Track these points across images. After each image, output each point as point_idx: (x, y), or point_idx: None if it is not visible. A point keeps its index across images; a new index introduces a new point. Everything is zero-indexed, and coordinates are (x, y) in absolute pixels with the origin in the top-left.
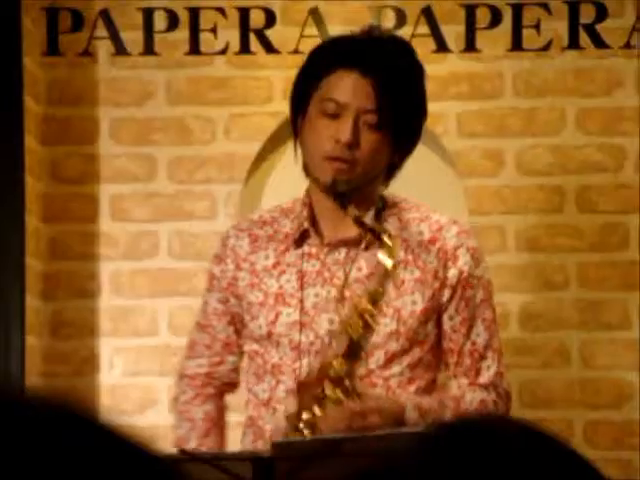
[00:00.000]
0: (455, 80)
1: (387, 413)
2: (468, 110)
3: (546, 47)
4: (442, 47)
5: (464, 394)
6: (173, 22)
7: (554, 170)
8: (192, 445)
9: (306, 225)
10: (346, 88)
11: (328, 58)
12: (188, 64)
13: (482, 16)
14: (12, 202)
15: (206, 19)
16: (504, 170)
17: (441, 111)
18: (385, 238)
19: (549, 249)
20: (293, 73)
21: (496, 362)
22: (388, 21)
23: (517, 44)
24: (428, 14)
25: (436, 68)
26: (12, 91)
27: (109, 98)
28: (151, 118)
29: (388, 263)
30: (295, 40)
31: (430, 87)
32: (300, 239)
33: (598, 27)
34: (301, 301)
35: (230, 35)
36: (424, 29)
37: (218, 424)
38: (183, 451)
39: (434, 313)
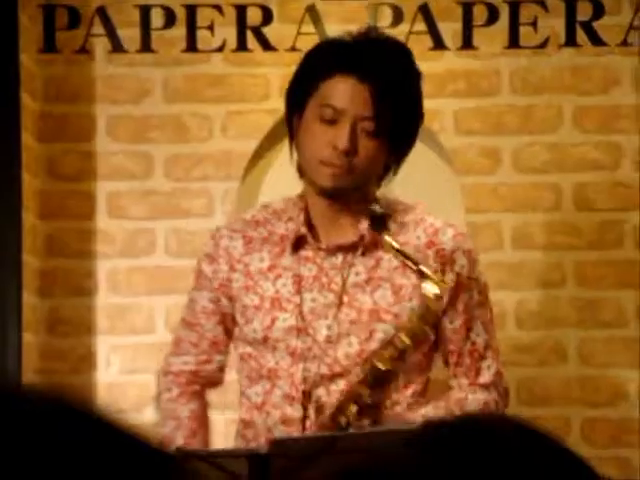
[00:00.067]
0: (452, 77)
1: None
2: (465, 107)
3: (543, 44)
4: (439, 44)
5: (467, 396)
6: (170, 19)
7: (551, 168)
8: (178, 444)
9: (303, 230)
10: (344, 94)
11: (326, 62)
12: (185, 61)
13: (479, 13)
14: (9, 199)
15: (203, 16)
16: (501, 168)
17: (438, 108)
18: (425, 269)
19: (546, 247)
20: (290, 71)
21: (496, 361)
22: (385, 18)
23: (514, 41)
24: (425, 11)
25: (433, 65)
26: (9, 88)
27: (106, 95)
28: (148, 115)
29: (431, 292)
30: (292, 37)
31: (427, 84)
32: (296, 243)
33: (595, 24)
34: (298, 306)
35: (227, 32)
36: (421, 26)
37: (203, 423)
38: (179, 448)
39: (432, 317)
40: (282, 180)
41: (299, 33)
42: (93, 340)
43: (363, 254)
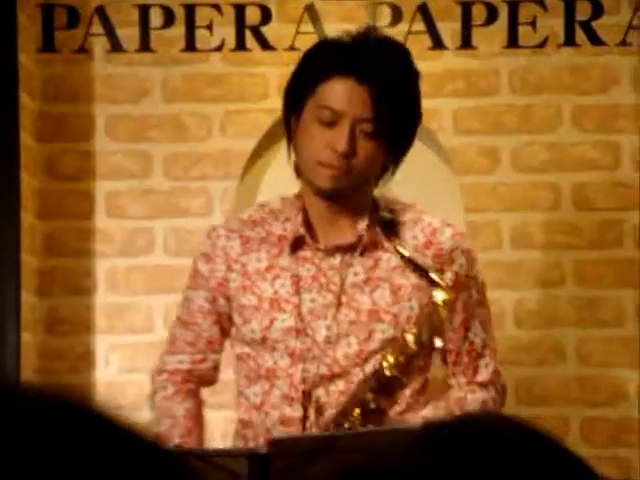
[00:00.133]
0: (451, 77)
1: None
2: (464, 107)
3: (542, 44)
4: (438, 44)
5: (466, 396)
6: (169, 19)
7: (550, 167)
8: (174, 443)
9: (302, 231)
10: (342, 96)
11: (324, 64)
12: (184, 61)
13: (478, 13)
14: (7, 199)
15: (202, 16)
16: (500, 167)
17: (437, 108)
18: (435, 277)
19: (545, 246)
20: (289, 70)
21: (493, 360)
22: (384, 18)
23: (513, 41)
24: (424, 11)
25: (432, 65)
26: (7, 87)
27: (105, 95)
28: (147, 115)
29: (441, 299)
30: (291, 37)
31: (426, 84)
32: (294, 244)
33: (594, 24)
34: (297, 307)
35: (226, 32)
36: (420, 26)
37: (198, 421)
38: (177, 447)
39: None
40: (281, 179)
41: (298, 32)
42: (92, 339)
43: (361, 254)
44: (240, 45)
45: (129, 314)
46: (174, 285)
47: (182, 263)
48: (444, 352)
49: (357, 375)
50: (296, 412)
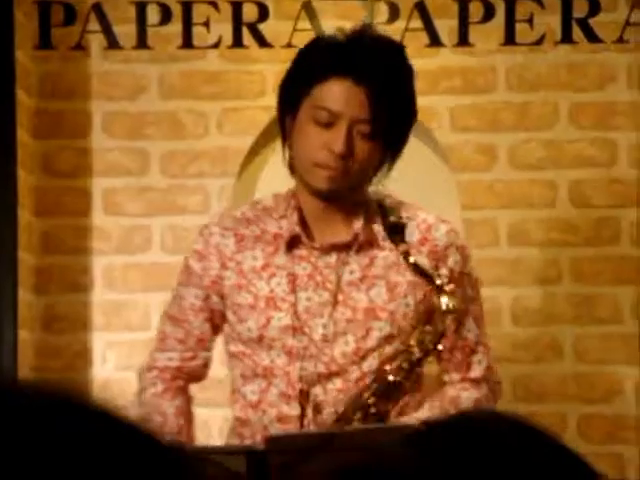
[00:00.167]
0: (448, 74)
1: None
2: (461, 104)
3: (539, 41)
4: (435, 41)
5: (459, 395)
6: (166, 16)
7: (547, 164)
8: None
9: (297, 230)
10: (339, 97)
11: (321, 64)
12: (181, 58)
13: (475, 10)
14: (4, 196)
15: (199, 13)
16: (497, 164)
17: (434, 105)
18: (445, 285)
19: (542, 244)
20: (286, 67)
21: (486, 356)
22: (381, 15)
23: (510, 38)
24: (421, 8)
25: (429, 62)
26: (4, 84)
27: (102, 92)
28: (144, 112)
29: (445, 305)
30: (288, 34)
31: (423, 81)
32: (290, 242)
33: (591, 21)
34: (293, 305)
35: (223, 29)
36: (417, 23)
37: (188, 419)
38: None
39: (427, 314)
40: (278, 177)
41: (295, 29)
42: (89, 337)
43: (357, 252)
44: (237, 42)
45: (126, 311)
46: (171, 283)
47: (179, 261)
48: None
49: (354, 373)
50: (294, 410)
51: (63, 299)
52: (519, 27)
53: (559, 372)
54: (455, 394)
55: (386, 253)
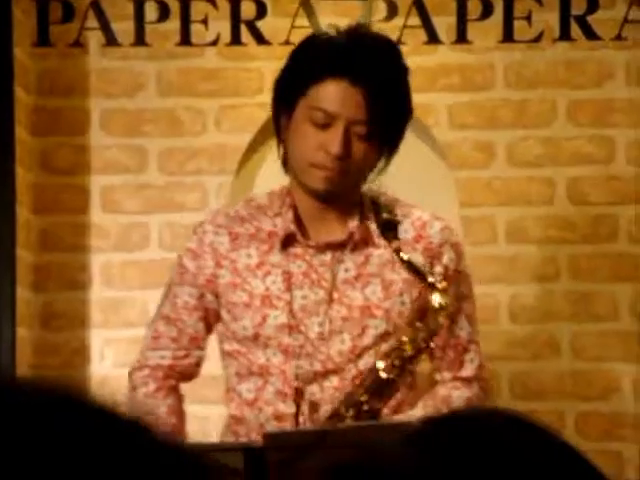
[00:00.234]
0: (446, 72)
1: None
2: (459, 102)
3: (537, 39)
4: (433, 38)
5: (451, 394)
6: (164, 13)
7: (545, 162)
8: None
9: (292, 228)
10: (336, 98)
11: (317, 65)
12: (179, 55)
13: (473, 7)
14: (2, 193)
15: (197, 10)
16: (495, 162)
17: (432, 103)
18: (434, 281)
19: (540, 241)
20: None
21: (478, 354)
22: (379, 12)
23: (508, 36)
24: (419, 5)
25: (427, 59)
26: (2, 82)
27: (100, 89)
28: (142, 109)
29: (437, 303)
30: (286, 31)
31: (421, 78)
32: (285, 240)
33: (589, 19)
34: (289, 303)
35: (221, 26)
36: (415, 20)
37: (181, 418)
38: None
39: (421, 312)
40: (276, 174)
41: (293, 27)
42: (87, 334)
43: (352, 251)
44: (235, 39)
45: (124, 309)
46: None
47: None
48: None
49: (351, 371)
50: (290, 408)
51: (61, 296)
52: (517, 24)
53: (556, 369)
54: (447, 393)
55: (381, 251)
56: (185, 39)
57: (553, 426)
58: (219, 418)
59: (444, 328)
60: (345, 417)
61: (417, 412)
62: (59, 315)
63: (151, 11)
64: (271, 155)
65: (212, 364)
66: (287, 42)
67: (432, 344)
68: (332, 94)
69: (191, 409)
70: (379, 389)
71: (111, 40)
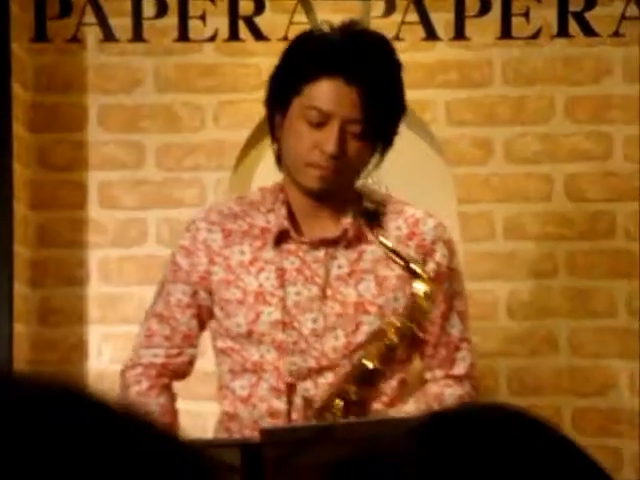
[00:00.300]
0: (444, 68)
1: None
2: (457, 98)
3: (535, 35)
4: (431, 35)
5: (443, 391)
6: (162, 9)
7: (543, 158)
8: None
9: (286, 224)
10: (330, 96)
11: (311, 64)
12: (177, 51)
13: (471, 4)
14: (0, 189)
15: (195, 6)
16: (493, 158)
17: (430, 99)
18: (416, 268)
19: (538, 237)
20: None
21: (470, 353)
22: (377, 8)
23: (506, 32)
24: (417, 2)
25: (425, 56)
26: (0, 78)
27: (97, 85)
28: (140, 105)
29: (421, 291)
30: (284, 27)
31: (419, 75)
32: (278, 237)
33: (587, 15)
34: (282, 300)
35: (219, 22)
36: (413, 17)
37: (173, 416)
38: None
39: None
40: (274, 170)
41: (291, 23)
42: (84, 330)
43: (346, 247)
44: (233, 35)
45: (122, 304)
46: None
47: None
48: (421, 344)
49: (345, 367)
50: (283, 405)
51: (59, 292)
52: (515, 21)
53: (554, 366)
54: (439, 391)
55: (374, 248)
56: (183, 35)
57: (550, 422)
58: (212, 415)
59: (436, 326)
60: (334, 407)
61: (409, 407)
62: (56, 311)
63: (149, 7)
64: (269, 151)
65: (205, 360)
66: (285, 38)
67: (420, 333)
68: (327, 93)
69: (184, 405)
70: (366, 379)
71: (109, 36)
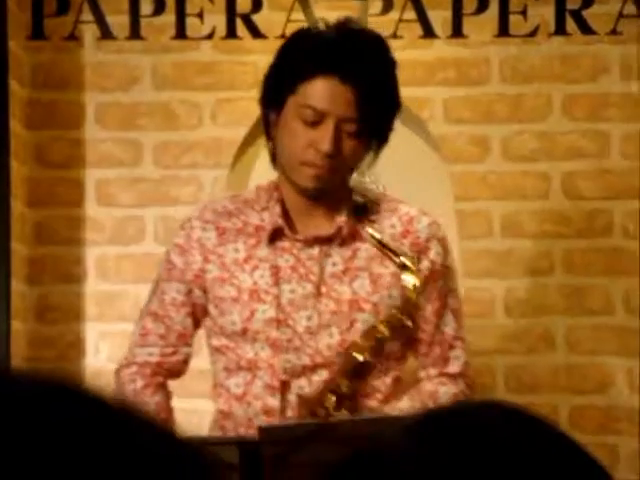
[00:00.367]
0: (442, 66)
1: None
2: (455, 96)
3: (533, 33)
4: (429, 33)
5: (437, 389)
6: (159, 6)
7: (540, 156)
8: None
9: (280, 222)
10: (325, 95)
11: (306, 62)
12: (174, 49)
13: (469, 2)
14: None
15: (192, 3)
16: (490, 156)
17: (427, 97)
18: (405, 260)
19: (535, 235)
20: None
21: (464, 351)
22: (375, 6)
23: (504, 30)
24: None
25: (423, 54)
26: None
27: (95, 82)
28: (137, 103)
29: (410, 283)
30: (282, 25)
31: (417, 72)
32: (273, 235)
33: (585, 13)
34: (277, 297)
35: (216, 20)
36: (411, 14)
37: (169, 415)
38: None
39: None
40: (271, 167)
41: (289, 20)
42: (82, 327)
43: (340, 245)
44: (231, 33)
45: (119, 302)
46: None
47: None
48: (415, 342)
49: (339, 364)
50: (278, 402)
51: (56, 290)
52: (513, 19)
53: (551, 363)
54: (433, 389)
55: (369, 245)
56: (180, 32)
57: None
58: (207, 413)
59: (431, 324)
60: (327, 402)
61: (403, 405)
62: (54, 308)
63: (146, 4)
64: (266, 149)
65: (200, 358)
66: (283, 36)
67: (409, 323)
68: (321, 92)
69: (179, 404)
70: (357, 372)
71: (106, 33)
